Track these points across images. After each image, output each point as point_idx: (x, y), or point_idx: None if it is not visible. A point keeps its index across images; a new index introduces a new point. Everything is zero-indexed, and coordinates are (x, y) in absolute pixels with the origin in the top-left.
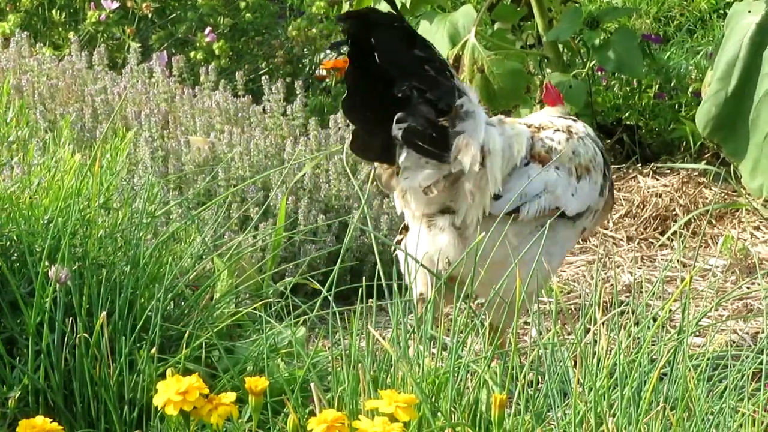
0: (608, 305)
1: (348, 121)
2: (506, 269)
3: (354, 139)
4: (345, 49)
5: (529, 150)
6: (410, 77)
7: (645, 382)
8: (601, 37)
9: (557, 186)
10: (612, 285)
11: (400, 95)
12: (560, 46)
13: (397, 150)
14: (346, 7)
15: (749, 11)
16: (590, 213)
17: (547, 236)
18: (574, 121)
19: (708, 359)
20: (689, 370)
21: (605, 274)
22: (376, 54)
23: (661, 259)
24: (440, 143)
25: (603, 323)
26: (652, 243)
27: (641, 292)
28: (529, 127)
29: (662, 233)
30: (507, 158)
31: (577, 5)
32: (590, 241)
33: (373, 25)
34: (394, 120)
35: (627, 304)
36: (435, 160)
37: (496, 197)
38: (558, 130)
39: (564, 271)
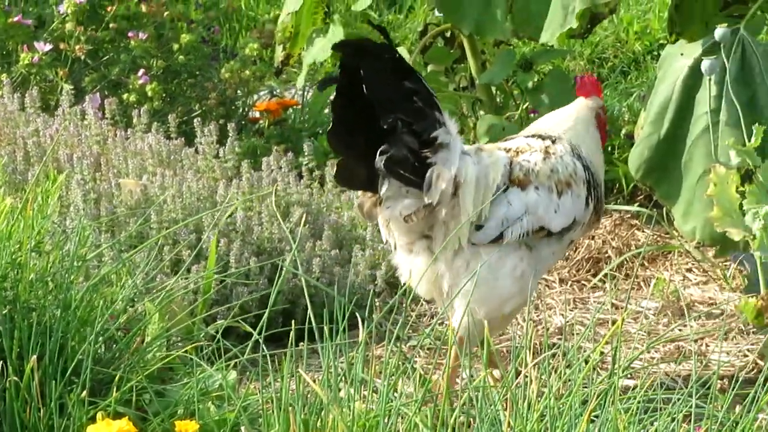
0: (540, 348)
1: (333, 150)
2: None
3: (338, 169)
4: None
5: (508, 175)
6: (397, 109)
7: (576, 425)
8: (535, 80)
9: (538, 206)
10: (544, 327)
11: (385, 127)
12: (493, 89)
13: (379, 180)
14: (279, 50)
15: (682, 54)
16: (577, 225)
17: (531, 256)
18: (553, 141)
19: (639, 402)
20: (620, 412)
21: (537, 316)
22: (364, 85)
23: (594, 302)
24: (420, 173)
25: (534, 366)
26: (584, 285)
27: (573, 334)
28: (507, 151)
29: (594, 275)
30: (483, 186)
31: (510, 48)
32: None
33: (365, 55)
34: (378, 152)
35: (558, 347)
36: (416, 189)
37: (478, 227)
38: (535, 152)
39: None
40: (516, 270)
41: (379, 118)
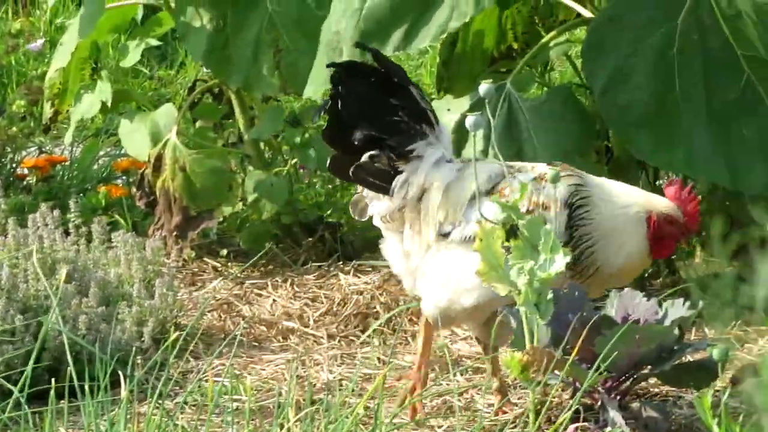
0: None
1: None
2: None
3: (332, 161)
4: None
5: (491, 187)
6: (371, 125)
7: None
8: (303, 135)
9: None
10: (311, 383)
11: (356, 142)
12: (262, 144)
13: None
14: (47, 107)
15: (448, 109)
16: None
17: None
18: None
19: None
20: None
21: (304, 372)
22: (339, 103)
23: (361, 357)
24: (389, 180)
25: (296, 422)
26: (352, 340)
27: (339, 390)
28: (512, 167)
29: (363, 331)
30: (455, 193)
31: (278, 103)
32: (290, 339)
33: (353, 74)
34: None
35: (322, 402)
36: (384, 195)
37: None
38: (533, 175)
39: (264, 369)
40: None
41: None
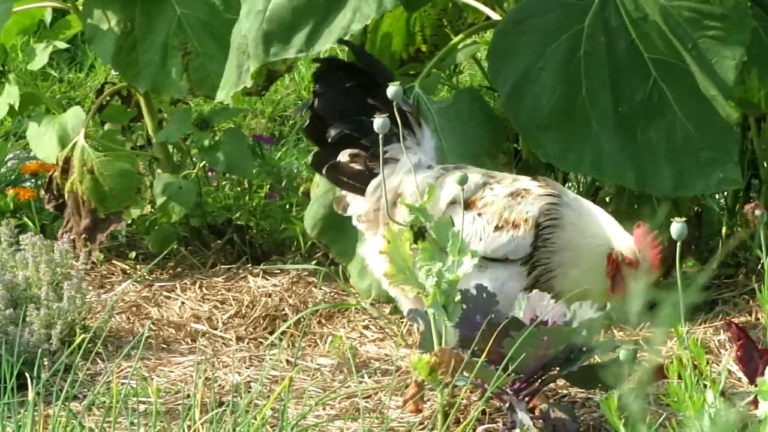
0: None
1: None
2: None
3: (315, 157)
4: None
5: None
6: (345, 123)
7: None
8: (211, 138)
9: (466, 228)
10: (219, 386)
11: (329, 140)
12: (170, 147)
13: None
14: None
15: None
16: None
17: None
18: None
19: None
20: None
21: (213, 374)
22: (315, 100)
23: (270, 359)
24: (365, 181)
25: (202, 423)
26: (261, 343)
27: (247, 392)
28: (493, 177)
29: (272, 333)
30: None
31: (186, 106)
32: (199, 342)
33: (334, 71)
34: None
35: (229, 404)
36: (361, 195)
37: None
38: (509, 190)
39: (172, 372)
40: None
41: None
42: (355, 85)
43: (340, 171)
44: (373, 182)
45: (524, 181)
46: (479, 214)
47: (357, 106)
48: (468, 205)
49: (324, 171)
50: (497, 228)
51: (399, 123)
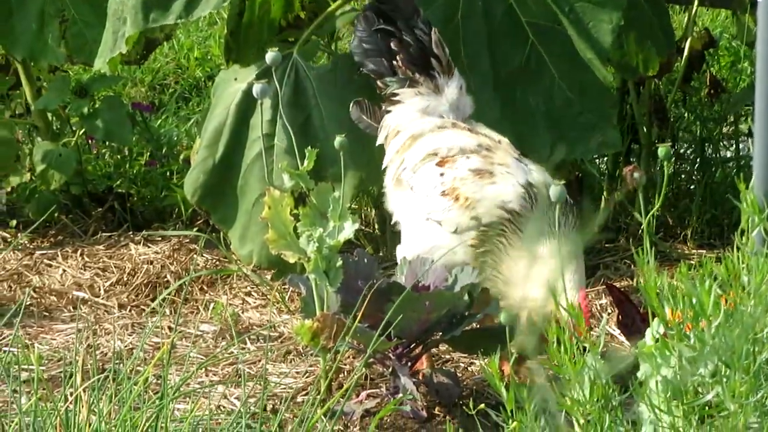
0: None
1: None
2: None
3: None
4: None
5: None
6: (373, 65)
7: None
8: (90, 106)
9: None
10: (101, 353)
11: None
12: (50, 115)
13: None
14: None
15: (235, 79)
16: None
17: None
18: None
19: (191, 424)
20: None
21: (95, 341)
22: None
23: (152, 326)
24: (378, 120)
25: (84, 390)
26: (143, 310)
27: (130, 358)
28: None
29: (154, 300)
30: (417, 149)
31: (65, 74)
32: (81, 309)
33: (373, 13)
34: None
35: (110, 371)
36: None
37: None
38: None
39: (54, 339)
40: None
41: None
42: (384, 28)
43: (360, 108)
44: (382, 122)
45: (508, 176)
46: (441, 174)
47: (380, 49)
48: (442, 162)
49: (351, 107)
50: (443, 193)
51: (438, 70)
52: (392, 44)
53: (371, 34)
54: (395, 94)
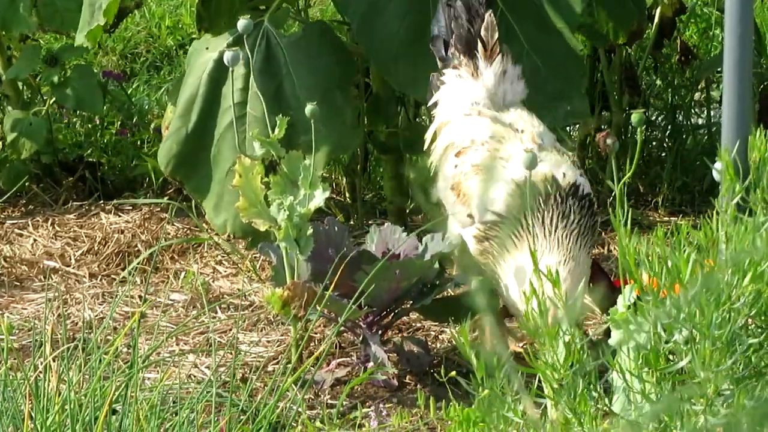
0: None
1: None
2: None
3: None
4: None
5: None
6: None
7: (96, 417)
8: (61, 75)
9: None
10: (72, 322)
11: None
12: (20, 84)
13: None
14: None
15: (207, 48)
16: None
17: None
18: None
19: (161, 393)
20: (139, 404)
21: (66, 311)
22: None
23: (123, 295)
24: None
25: (54, 359)
26: (114, 279)
27: (100, 328)
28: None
29: (124, 269)
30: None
31: (35, 43)
32: (52, 279)
33: None
34: None
35: (80, 340)
36: None
37: None
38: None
39: (25, 309)
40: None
41: None
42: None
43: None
44: (433, 83)
45: (503, 173)
46: (455, 166)
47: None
48: (458, 153)
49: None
50: (452, 187)
51: (479, 50)
52: (452, 24)
53: (442, 13)
54: (443, 74)
